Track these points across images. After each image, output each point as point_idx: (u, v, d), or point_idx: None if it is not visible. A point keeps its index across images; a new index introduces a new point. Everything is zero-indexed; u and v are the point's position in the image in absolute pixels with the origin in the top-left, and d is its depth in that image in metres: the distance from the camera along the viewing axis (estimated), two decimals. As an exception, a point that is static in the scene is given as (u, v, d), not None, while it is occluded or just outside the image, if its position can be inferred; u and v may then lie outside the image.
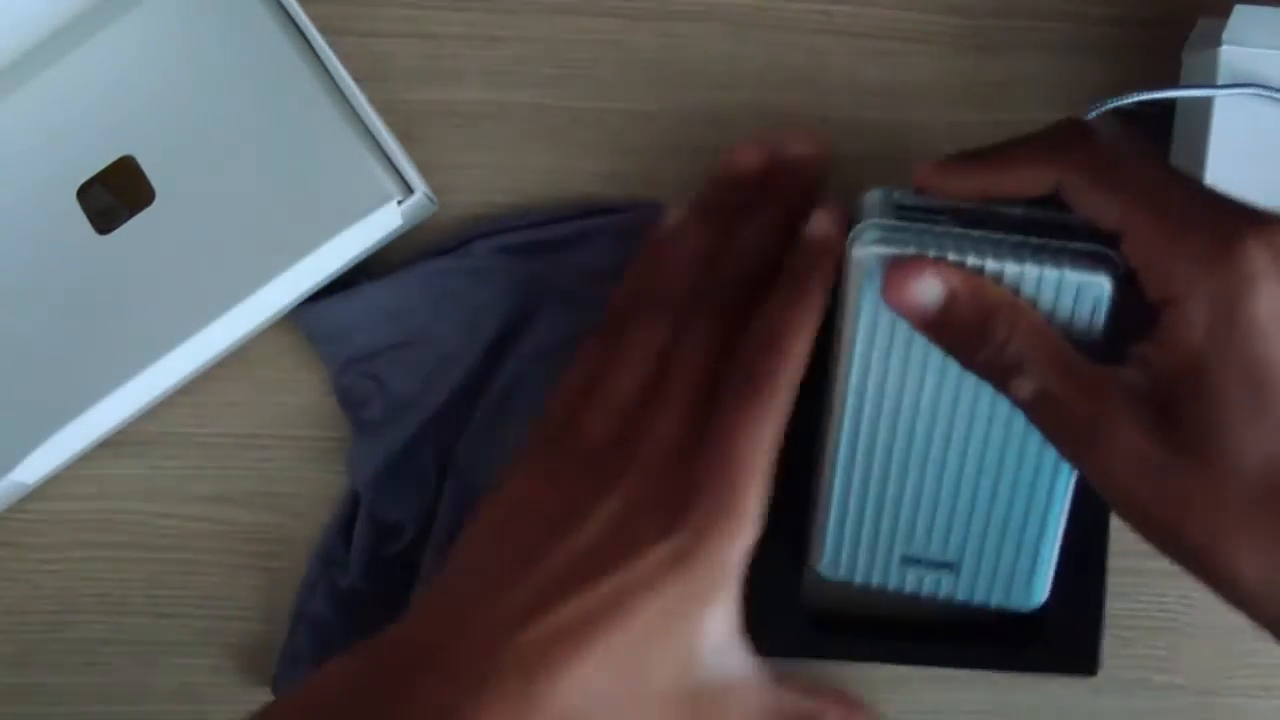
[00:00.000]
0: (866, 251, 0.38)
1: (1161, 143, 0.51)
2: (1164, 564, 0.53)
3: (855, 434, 0.41)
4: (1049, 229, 0.39)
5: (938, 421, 0.40)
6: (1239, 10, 0.46)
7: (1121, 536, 0.52)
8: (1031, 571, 0.43)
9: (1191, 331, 0.33)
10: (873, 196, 0.41)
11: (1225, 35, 0.46)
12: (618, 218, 0.50)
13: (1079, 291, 0.37)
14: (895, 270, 0.36)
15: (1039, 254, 0.37)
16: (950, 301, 0.36)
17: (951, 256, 0.37)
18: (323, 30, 0.45)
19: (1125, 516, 0.35)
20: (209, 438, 0.51)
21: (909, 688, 0.51)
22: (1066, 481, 0.42)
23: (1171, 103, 0.50)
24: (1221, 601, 0.52)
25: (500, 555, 0.39)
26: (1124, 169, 0.35)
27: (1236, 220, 0.33)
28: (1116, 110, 0.48)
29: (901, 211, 0.40)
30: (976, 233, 0.38)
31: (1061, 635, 0.46)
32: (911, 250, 0.37)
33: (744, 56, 0.51)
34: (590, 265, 0.49)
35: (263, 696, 0.51)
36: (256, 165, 0.46)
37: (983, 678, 0.51)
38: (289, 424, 0.51)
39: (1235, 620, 0.52)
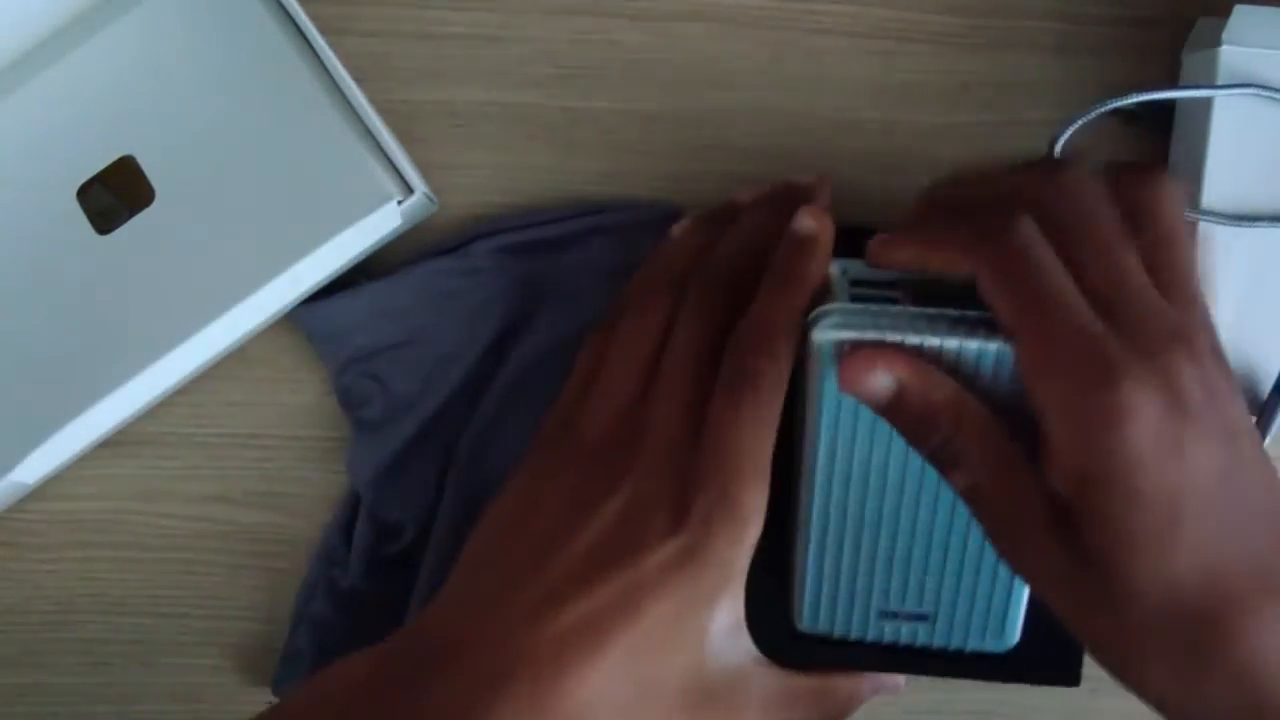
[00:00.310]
0: (824, 337, 0.39)
1: (1162, 143, 0.51)
2: (1164, 564, 0.53)
3: (826, 501, 0.42)
4: None
5: (905, 486, 0.41)
6: (1239, 10, 0.46)
7: (1121, 536, 0.52)
8: (1004, 616, 0.44)
9: (1065, 456, 0.33)
10: (832, 271, 0.42)
11: (1225, 35, 0.47)
12: (618, 217, 0.50)
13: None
14: (848, 361, 0.37)
15: (982, 328, 0.37)
16: (900, 393, 0.37)
17: (902, 338, 0.37)
18: (323, 30, 0.45)
19: (1054, 613, 0.36)
20: (209, 438, 0.51)
21: (908, 688, 0.51)
22: None
23: (1171, 103, 0.50)
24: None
25: (509, 554, 0.40)
26: (1029, 274, 0.34)
27: (1118, 351, 0.32)
28: (1116, 110, 0.48)
29: (856, 288, 0.40)
30: (930, 310, 0.38)
31: (1044, 647, 0.46)
32: (870, 335, 0.38)
33: (744, 56, 0.51)
34: (590, 265, 0.49)
35: (263, 696, 0.51)
36: (256, 165, 0.46)
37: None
38: (289, 424, 0.51)
39: (1235, 620, 0.53)
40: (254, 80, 0.46)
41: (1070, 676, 0.47)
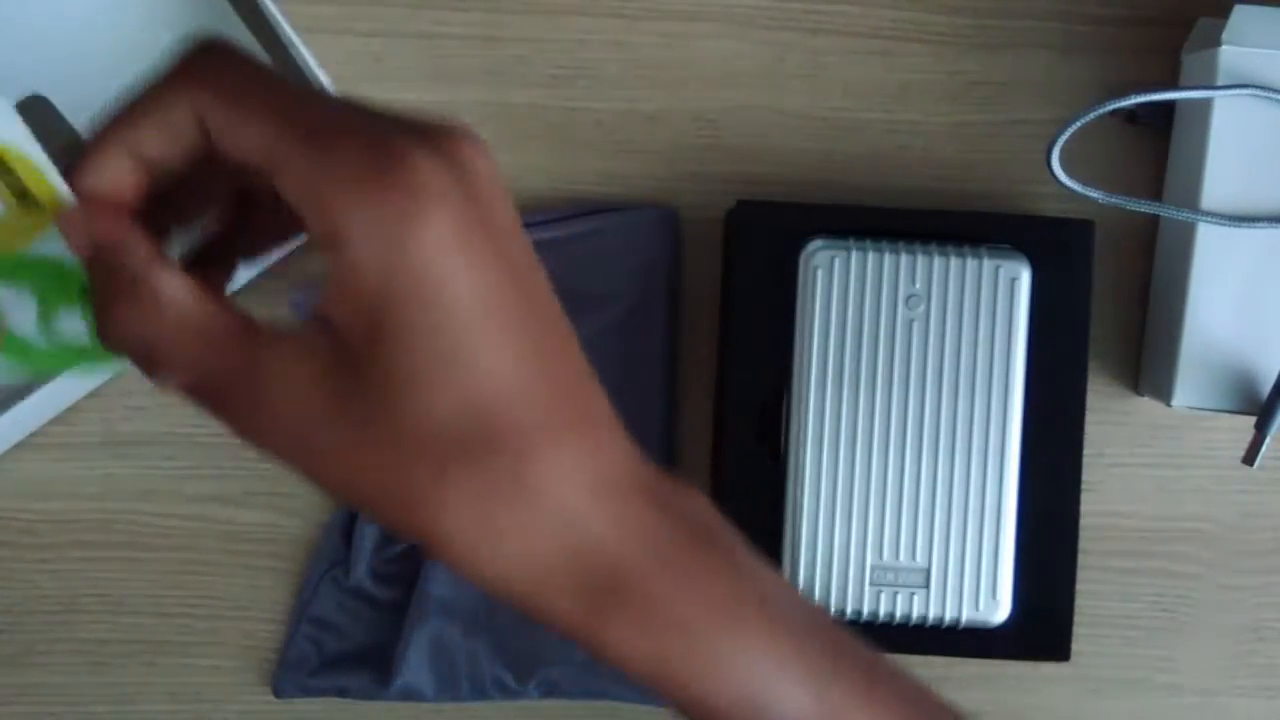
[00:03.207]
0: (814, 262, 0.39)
1: (1162, 143, 0.51)
2: (1165, 564, 0.53)
3: (818, 456, 0.44)
4: None
5: (891, 437, 0.42)
6: (1239, 10, 0.46)
7: (1122, 538, 0.52)
8: (995, 582, 0.46)
9: (362, 275, 0.27)
10: None
11: (1225, 35, 0.46)
12: (618, 217, 0.50)
13: None
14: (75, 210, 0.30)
15: None
16: (96, 254, 0.29)
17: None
18: (323, 31, 0.45)
19: (297, 472, 0.29)
20: (209, 438, 0.51)
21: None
22: (1013, 494, 0.46)
23: (1171, 103, 0.50)
24: (1220, 602, 0.52)
25: None
26: (266, 87, 0.28)
27: (399, 133, 0.27)
28: (1116, 110, 0.48)
29: None
30: None
31: (1035, 623, 0.47)
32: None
33: (744, 56, 0.51)
34: (590, 265, 0.49)
35: (263, 696, 0.51)
36: None
37: (981, 678, 0.51)
38: (289, 424, 0.51)
39: (1235, 620, 0.53)
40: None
41: (1061, 652, 0.48)
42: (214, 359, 0.29)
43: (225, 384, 0.29)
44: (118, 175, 0.29)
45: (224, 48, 0.29)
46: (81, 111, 0.45)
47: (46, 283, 0.32)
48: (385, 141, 0.27)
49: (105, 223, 0.29)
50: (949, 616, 0.46)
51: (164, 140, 0.29)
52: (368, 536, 0.50)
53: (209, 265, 0.33)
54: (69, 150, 0.30)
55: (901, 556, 0.45)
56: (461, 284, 0.27)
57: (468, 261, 0.27)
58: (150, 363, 0.29)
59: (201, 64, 0.29)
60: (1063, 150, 0.48)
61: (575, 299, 0.49)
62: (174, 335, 0.29)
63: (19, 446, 0.49)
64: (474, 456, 0.28)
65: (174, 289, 0.29)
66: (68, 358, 0.32)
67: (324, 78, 0.45)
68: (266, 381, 0.28)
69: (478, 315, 0.27)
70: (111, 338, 0.29)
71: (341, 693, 0.50)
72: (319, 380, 0.28)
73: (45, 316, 0.32)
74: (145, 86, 0.29)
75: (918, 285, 0.46)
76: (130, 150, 0.29)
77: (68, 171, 0.30)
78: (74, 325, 0.31)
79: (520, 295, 0.28)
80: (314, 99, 0.29)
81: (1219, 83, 0.47)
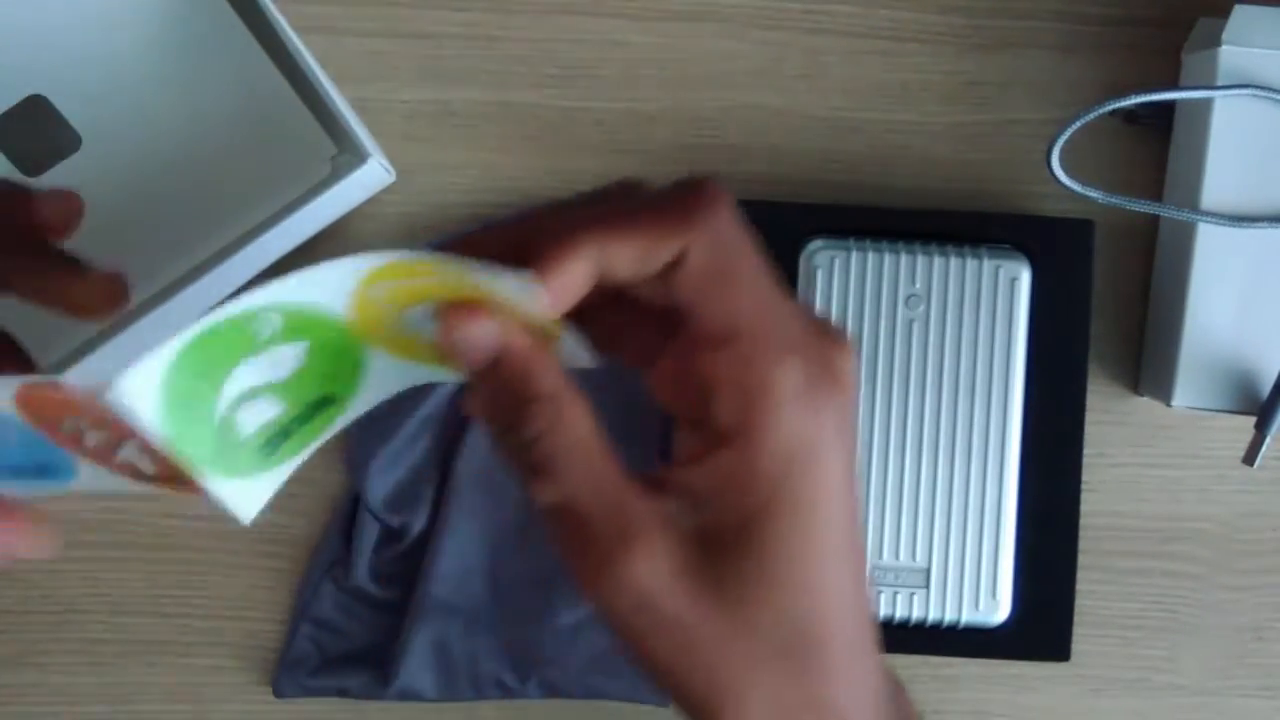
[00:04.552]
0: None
1: (1162, 143, 0.51)
2: (1165, 564, 0.53)
3: None
4: None
5: (891, 435, 0.42)
6: (1239, 10, 0.46)
7: (1122, 537, 0.52)
8: (994, 581, 0.46)
9: (761, 473, 0.29)
10: None
11: (1225, 35, 0.46)
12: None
13: None
14: (454, 309, 0.30)
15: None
16: (497, 363, 0.30)
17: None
18: (323, 30, 0.45)
19: (623, 644, 0.30)
20: (209, 438, 0.51)
21: (908, 688, 0.51)
22: (1013, 494, 0.46)
23: (1171, 102, 0.50)
24: (1220, 602, 0.52)
25: None
26: (752, 256, 0.29)
27: (840, 358, 0.29)
28: (1116, 110, 0.48)
29: None
30: None
31: (1034, 623, 0.47)
32: None
33: (744, 56, 0.51)
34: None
35: (263, 696, 0.51)
36: (193, 123, 0.45)
37: (981, 678, 0.51)
38: (289, 424, 0.51)
39: (1235, 620, 0.53)
40: (192, 39, 0.45)
41: (1061, 652, 0.48)
42: (594, 489, 0.29)
43: (594, 519, 0.29)
44: (577, 282, 0.29)
45: (729, 201, 0.30)
46: (82, 111, 0.45)
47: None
48: (828, 367, 0.29)
49: (518, 333, 0.30)
50: (949, 616, 0.46)
51: (637, 264, 0.29)
52: (367, 536, 0.50)
53: None
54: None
55: (901, 556, 0.46)
56: (836, 506, 0.29)
57: (843, 495, 0.29)
58: (537, 471, 0.30)
59: (702, 209, 0.29)
60: (1063, 150, 0.48)
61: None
62: (572, 454, 0.29)
63: (19, 446, 0.49)
64: (792, 662, 0.29)
65: (580, 410, 0.30)
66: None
67: (324, 78, 0.45)
68: (633, 532, 0.29)
69: (841, 535, 0.29)
70: (515, 439, 0.30)
71: (341, 693, 0.50)
72: (684, 545, 0.29)
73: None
74: (635, 204, 0.30)
75: (918, 285, 0.46)
76: (600, 262, 0.29)
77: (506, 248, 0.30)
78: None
79: (857, 520, 0.31)
80: (778, 289, 0.30)
81: (1219, 83, 0.47)
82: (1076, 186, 0.48)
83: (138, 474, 0.31)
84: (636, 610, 0.29)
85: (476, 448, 0.49)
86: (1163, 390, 0.49)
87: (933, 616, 0.46)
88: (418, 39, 0.50)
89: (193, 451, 0.29)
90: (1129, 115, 0.50)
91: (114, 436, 0.30)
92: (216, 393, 0.30)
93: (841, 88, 0.51)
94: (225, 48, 0.45)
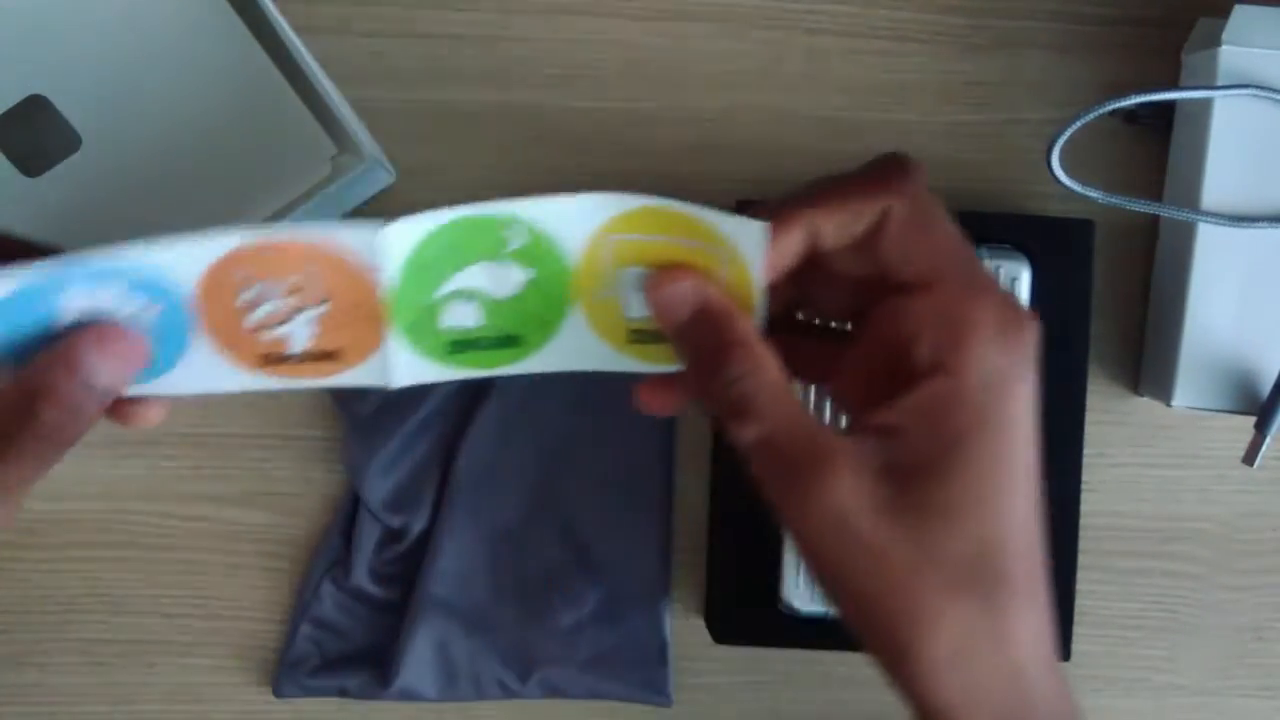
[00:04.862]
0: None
1: (1162, 143, 0.51)
2: (1166, 564, 0.53)
3: None
4: None
5: None
6: (1239, 10, 0.46)
7: (1122, 537, 0.52)
8: None
9: (962, 404, 0.31)
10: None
11: (1225, 35, 0.46)
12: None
13: None
14: (663, 270, 0.34)
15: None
16: (698, 315, 0.34)
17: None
18: (323, 31, 0.45)
19: (816, 571, 0.33)
20: (209, 438, 0.51)
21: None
22: None
23: (1171, 102, 0.50)
24: (1220, 602, 0.52)
25: None
26: (941, 213, 0.33)
27: (1017, 302, 0.33)
28: (1116, 110, 0.48)
29: None
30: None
31: None
32: None
33: (743, 56, 0.51)
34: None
35: (263, 696, 0.51)
36: (190, 121, 0.44)
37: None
38: (289, 424, 0.51)
39: (1235, 620, 0.53)
40: (192, 42, 0.45)
41: (1061, 652, 0.48)
42: (790, 423, 0.32)
43: (791, 450, 0.32)
44: (792, 248, 0.33)
45: (919, 167, 0.34)
46: (82, 111, 0.45)
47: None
48: (1016, 307, 0.32)
49: (719, 290, 0.34)
50: None
51: (842, 231, 0.33)
52: (367, 536, 0.50)
53: None
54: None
55: None
56: (1023, 437, 0.32)
57: (1034, 422, 0.32)
58: (737, 411, 0.32)
59: (900, 176, 0.33)
60: (1063, 150, 0.48)
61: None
62: (769, 393, 0.32)
63: (19, 446, 0.49)
64: (980, 592, 0.31)
65: (771, 356, 0.33)
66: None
67: (324, 77, 0.45)
68: (828, 457, 0.31)
69: (1024, 466, 0.32)
70: (718, 386, 0.33)
71: (341, 693, 0.50)
72: (875, 477, 0.31)
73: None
74: (839, 180, 0.34)
75: None
76: (809, 232, 0.33)
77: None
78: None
79: (1037, 459, 0.33)
80: (966, 239, 0.33)
81: (1219, 83, 0.47)
82: (1076, 186, 0.48)
83: (271, 359, 0.33)
84: (836, 529, 0.31)
85: (476, 448, 0.49)
86: (1163, 390, 0.49)
87: None
88: (418, 39, 0.50)
89: (402, 310, 0.32)
90: (1129, 115, 0.50)
91: (296, 304, 0.32)
92: (447, 276, 0.32)
93: (841, 88, 0.51)
94: (225, 48, 0.45)
